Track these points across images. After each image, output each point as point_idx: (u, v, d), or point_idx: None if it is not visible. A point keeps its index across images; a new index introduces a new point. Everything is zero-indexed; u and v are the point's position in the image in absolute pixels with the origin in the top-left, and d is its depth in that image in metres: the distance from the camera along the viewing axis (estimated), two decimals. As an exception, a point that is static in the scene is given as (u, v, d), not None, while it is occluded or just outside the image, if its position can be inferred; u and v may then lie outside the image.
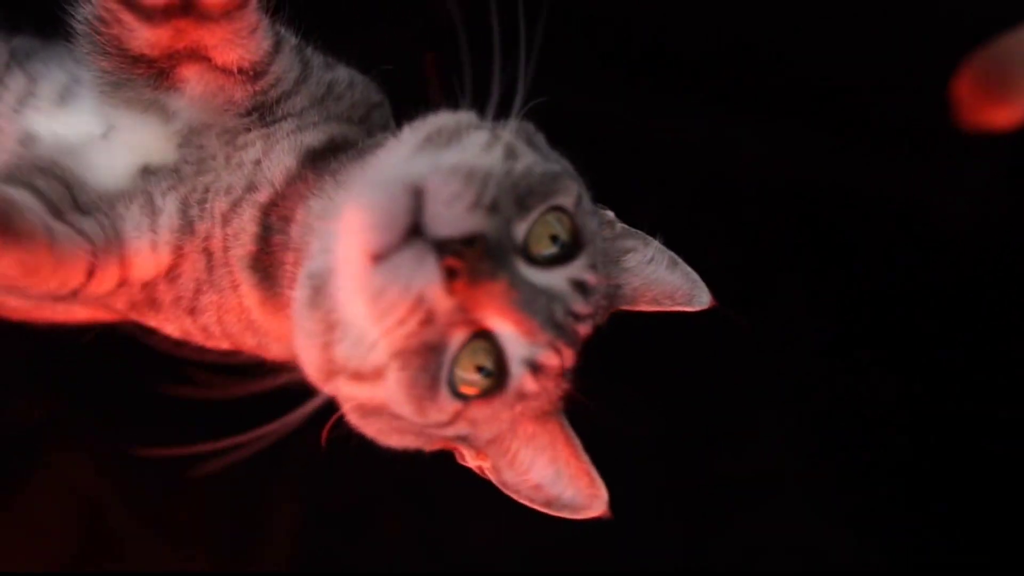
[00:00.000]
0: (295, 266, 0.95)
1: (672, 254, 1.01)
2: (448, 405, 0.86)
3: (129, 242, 0.98)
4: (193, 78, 0.99)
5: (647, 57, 1.77)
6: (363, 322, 0.82)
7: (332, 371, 0.87)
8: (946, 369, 1.79)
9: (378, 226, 0.78)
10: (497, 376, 0.86)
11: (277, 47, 1.00)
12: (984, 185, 1.81)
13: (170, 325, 1.05)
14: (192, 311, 1.01)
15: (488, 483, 0.98)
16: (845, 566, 1.80)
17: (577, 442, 0.96)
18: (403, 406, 0.85)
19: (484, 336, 0.84)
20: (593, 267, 0.91)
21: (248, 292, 0.99)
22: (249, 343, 1.04)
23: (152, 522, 1.65)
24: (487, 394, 0.87)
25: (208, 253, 1.00)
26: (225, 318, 1.02)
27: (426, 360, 0.83)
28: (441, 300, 0.79)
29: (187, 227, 0.99)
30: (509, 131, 0.91)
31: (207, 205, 0.99)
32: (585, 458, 0.95)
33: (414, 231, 0.78)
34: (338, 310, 0.84)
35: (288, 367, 0.97)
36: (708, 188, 1.77)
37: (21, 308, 1.14)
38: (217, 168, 1.00)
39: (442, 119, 0.92)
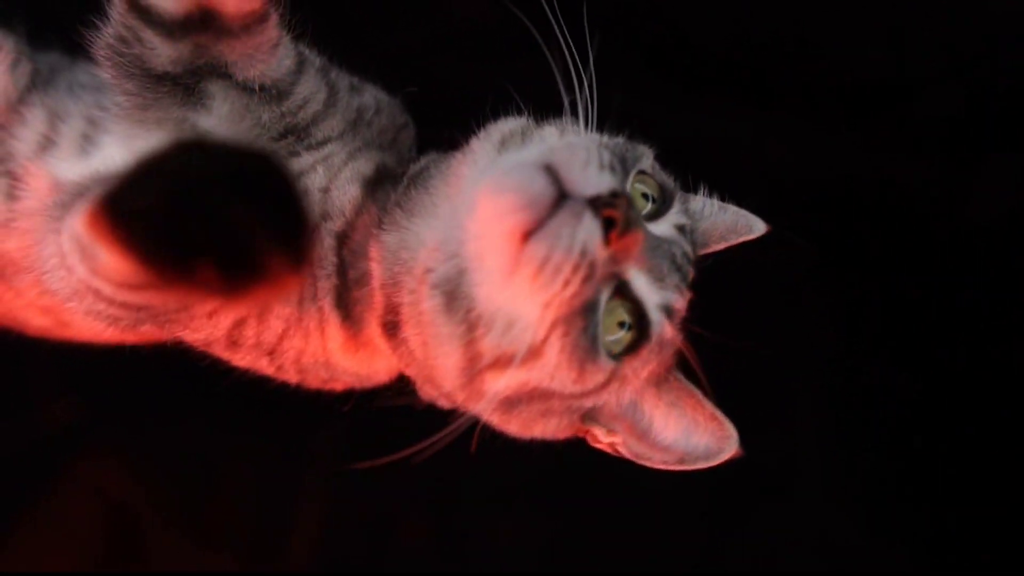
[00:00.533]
0: (387, 299, 0.95)
1: (716, 200, 1.09)
2: (605, 364, 0.90)
3: None
4: (218, 94, 0.98)
5: (665, 52, 1.77)
6: (516, 304, 0.85)
7: (478, 368, 0.89)
8: (967, 367, 1.79)
9: (526, 204, 0.82)
10: (638, 328, 0.91)
11: (300, 67, 1.00)
12: (1006, 180, 1.81)
13: (243, 361, 1.05)
14: (272, 353, 1.02)
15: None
16: (860, 561, 1.79)
17: (698, 391, 0.98)
18: (564, 374, 0.88)
19: (620, 291, 0.89)
20: (685, 212, 1.00)
21: (333, 333, 1.00)
22: (320, 377, 1.05)
23: (178, 524, 1.67)
24: (634, 347, 0.91)
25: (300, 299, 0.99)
26: (303, 359, 1.03)
27: (584, 321, 0.86)
28: (600, 251, 0.83)
29: None
30: (566, 123, 0.97)
31: None
32: (709, 404, 0.97)
33: (560, 198, 0.82)
34: (478, 306, 0.86)
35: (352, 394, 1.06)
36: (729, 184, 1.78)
37: (44, 327, 1.14)
38: None
39: (505, 125, 0.97)
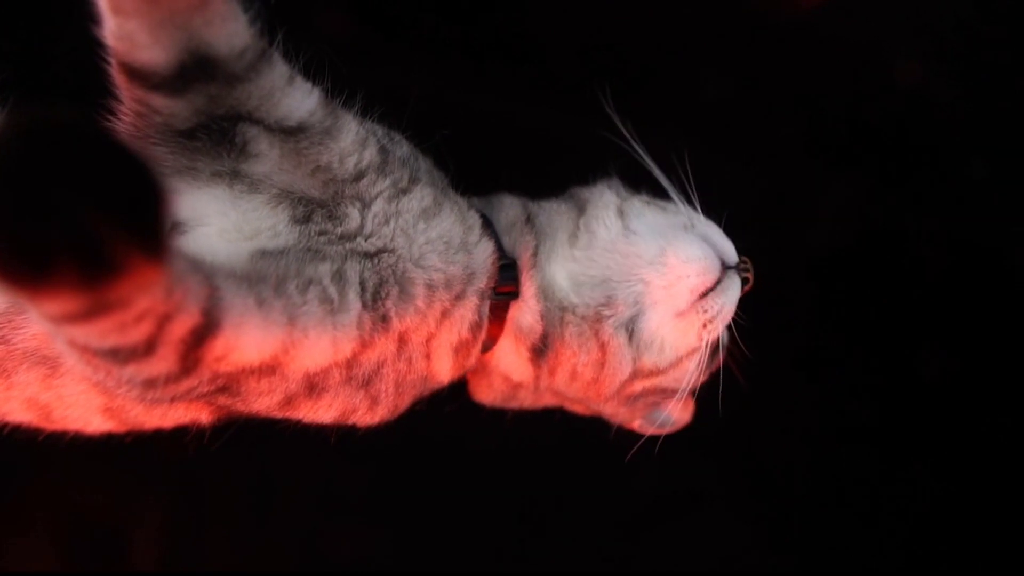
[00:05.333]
0: (544, 328, 1.14)
1: None
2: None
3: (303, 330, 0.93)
4: (262, 139, 0.96)
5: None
6: (677, 335, 1.14)
7: (631, 380, 1.16)
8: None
9: (712, 270, 1.13)
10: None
11: (330, 102, 0.99)
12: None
13: (330, 410, 1.03)
14: (367, 383, 1.03)
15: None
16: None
17: None
18: (692, 375, 1.17)
19: None
20: None
21: (445, 370, 1.11)
22: (414, 392, 1.09)
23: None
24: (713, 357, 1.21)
25: (403, 342, 1.03)
26: (406, 379, 1.06)
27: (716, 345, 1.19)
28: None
29: (381, 322, 0.99)
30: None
31: (417, 303, 1.01)
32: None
33: (725, 268, 1.15)
34: (646, 335, 1.13)
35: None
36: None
37: (26, 421, 1.09)
38: (400, 245, 1.00)
39: (610, 195, 1.21)
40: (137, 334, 0.77)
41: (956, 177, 1.96)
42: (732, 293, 1.15)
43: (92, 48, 0.89)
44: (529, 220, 1.19)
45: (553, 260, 1.16)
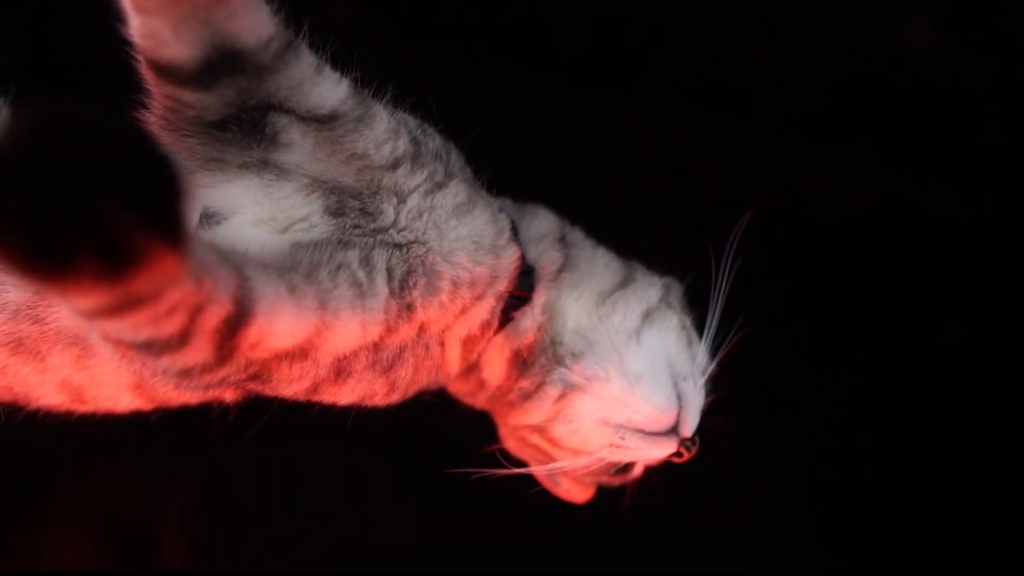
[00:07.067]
0: (539, 339, 1.14)
1: None
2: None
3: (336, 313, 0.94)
4: (294, 129, 0.97)
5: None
6: (585, 434, 1.15)
7: (532, 430, 1.18)
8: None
9: (655, 423, 1.14)
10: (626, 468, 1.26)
11: (361, 95, 1.00)
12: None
13: (352, 394, 1.05)
14: (390, 367, 1.06)
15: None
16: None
17: None
18: (580, 469, 1.20)
19: None
20: None
21: (455, 359, 1.13)
22: (427, 379, 1.13)
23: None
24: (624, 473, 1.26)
25: (423, 330, 1.06)
26: (421, 367, 1.09)
27: (612, 467, 1.23)
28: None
29: (407, 310, 1.01)
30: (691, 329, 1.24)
31: (441, 297, 1.03)
32: None
33: (671, 430, 1.15)
34: (571, 410, 1.14)
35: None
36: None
37: (56, 404, 1.09)
38: (431, 238, 1.02)
39: (652, 295, 1.20)
40: (170, 327, 0.77)
41: (970, 143, 1.94)
42: (656, 450, 1.16)
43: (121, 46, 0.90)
44: (563, 240, 1.20)
45: (575, 298, 1.17)
